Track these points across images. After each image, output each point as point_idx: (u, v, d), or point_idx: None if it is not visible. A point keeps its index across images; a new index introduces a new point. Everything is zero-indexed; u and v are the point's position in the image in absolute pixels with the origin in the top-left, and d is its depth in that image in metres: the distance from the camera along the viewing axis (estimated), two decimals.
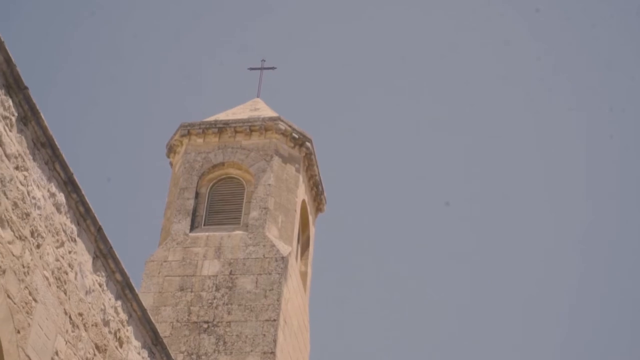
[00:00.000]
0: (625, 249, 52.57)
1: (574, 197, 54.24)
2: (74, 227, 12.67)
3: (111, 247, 13.64)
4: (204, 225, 23.47)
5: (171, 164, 25.28)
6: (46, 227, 11.81)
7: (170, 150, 25.16)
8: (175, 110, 52.71)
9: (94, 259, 13.24)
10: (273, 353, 20.78)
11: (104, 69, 52.83)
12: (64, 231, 12.35)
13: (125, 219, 49.60)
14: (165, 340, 20.50)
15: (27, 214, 11.34)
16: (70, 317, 12.31)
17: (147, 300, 21.58)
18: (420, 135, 55.55)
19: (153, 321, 15.15)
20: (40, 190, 11.73)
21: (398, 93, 54.90)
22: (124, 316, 14.14)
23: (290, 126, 24.71)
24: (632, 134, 52.76)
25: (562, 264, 53.27)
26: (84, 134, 50.23)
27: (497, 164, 55.46)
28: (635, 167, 52.25)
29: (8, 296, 10.72)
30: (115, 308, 13.86)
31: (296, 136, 24.68)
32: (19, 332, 10.92)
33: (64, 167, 12.36)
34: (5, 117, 10.92)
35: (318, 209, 26.69)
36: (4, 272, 10.65)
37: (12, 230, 10.93)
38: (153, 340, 15.18)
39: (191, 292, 21.93)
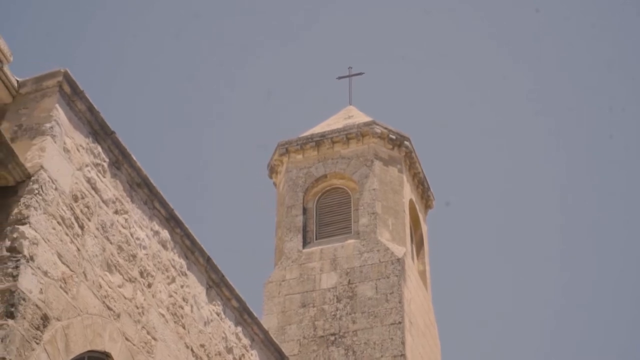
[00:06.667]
0: (626, 249, 51.60)
1: (574, 197, 53.49)
2: (182, 262, 12.81)
3: (223, 275, 13.76)
4: (316, 239, 23.52)
5: (275, 184, 25.43)
6: (154, 265, 11.97)
7: (272, 170, 25.33)
8: (194, 118, 52.74)
9: (207, 289, 13.36)
10: (403, 355, 20.65)
11: (103, 69, 53.41)
12: (173, 267, 12.50)
13: (231, 244, 50.20)
14: (294, 359, 20.61)
15: (134, 256, 11.50)
16: (192, 350, 12.44)
17: (271, 322, 21.72)
18: (419, 135, 55.17)
19: (277, 341, 15.22)
20: (143, 230, 11.89)
21: (397, 92, 54.50)
22: (246, 341, 14.23)
23: (386, 128, 24.59)
24: (632, 134, 51.94)
25: (562, 264, 52.59)
26: None
27: (497, 164, 55.07)
28: (636, 167, 51.44)
29: (126, 339, 10.88)
30: (237, 334, 13.96)
31: (393, 137, 24.56)
32: None
33: (164, 204, 12.51)
34: (97, 164, 11.11)
35: (427, 206, 26.50)
36: (118, 315, 10.82)
37: (121, 274, 11.10)
38: None
39: (313, 307, 21.98)
